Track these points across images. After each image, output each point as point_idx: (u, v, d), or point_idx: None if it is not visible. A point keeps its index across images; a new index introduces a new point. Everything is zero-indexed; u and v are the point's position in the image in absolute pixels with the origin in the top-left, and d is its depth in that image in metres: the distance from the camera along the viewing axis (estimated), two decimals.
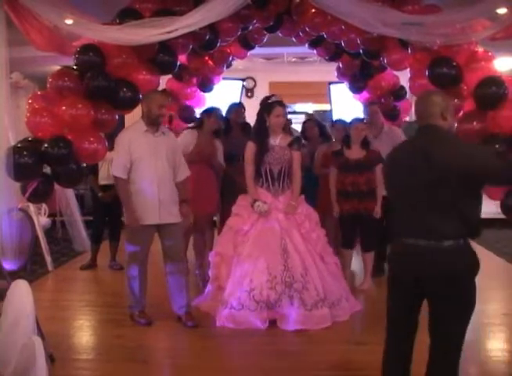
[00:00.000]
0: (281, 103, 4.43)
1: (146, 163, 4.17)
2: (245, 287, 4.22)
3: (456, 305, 2.49)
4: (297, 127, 7.23)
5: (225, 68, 6.58)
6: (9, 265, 3.84)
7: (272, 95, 4.53)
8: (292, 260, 4.28)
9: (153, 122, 4.21)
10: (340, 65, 6.52)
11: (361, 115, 5.79)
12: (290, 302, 4.20)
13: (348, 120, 5.47)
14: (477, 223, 2.53)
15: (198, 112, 6.40)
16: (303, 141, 5.68)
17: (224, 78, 7.03)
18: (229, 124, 5.88)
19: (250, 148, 4.46)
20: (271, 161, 4.44)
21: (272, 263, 4.27)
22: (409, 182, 2.57)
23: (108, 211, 6.09)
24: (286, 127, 4.70)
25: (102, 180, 6.01)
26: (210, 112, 5.41)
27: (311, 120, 6.77)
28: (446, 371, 2.58)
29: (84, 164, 5.70)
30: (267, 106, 4.44)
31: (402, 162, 2.64)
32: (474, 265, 2.51)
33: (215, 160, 5.33)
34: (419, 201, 2.53)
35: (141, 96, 4.43)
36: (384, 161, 3.41)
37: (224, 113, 5.88)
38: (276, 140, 4.47)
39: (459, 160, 2.44)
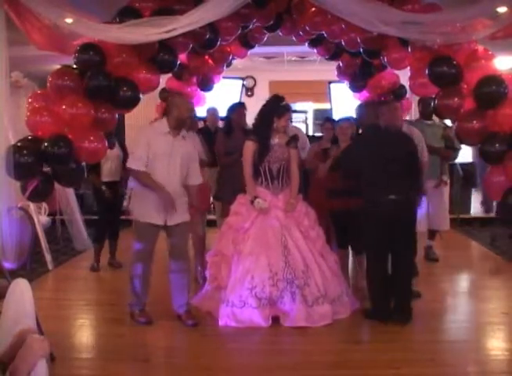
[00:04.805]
0: (291, 108, 4.67)
1: (160, 163, 4.17)
2: (247, 284, 4.23)
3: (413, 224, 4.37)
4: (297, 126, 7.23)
5: (225, 67, 6.58)
6: (9, 264, 3.84)
7: (281, 97, 4.55)
8: (293, 257, 4.31)
9: (180, 125, 4.26)
10: (341, 64, 6.52)
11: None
12: (291, 298, 4.21)
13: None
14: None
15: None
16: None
17: (224, 77, 7.02)
18: (231, 124, 5.81)
19: (250, 147, 4.46)
20: (270, 160, 4.46)
21: (273, 260, 4.29)
22: (385, 158, 4.18)
23: (110, 210, 6.05)
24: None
25: (106, 177, 5.96)
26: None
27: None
28: (410, 266, 4.46)
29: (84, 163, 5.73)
30: (279, 109, 4.47)
31: (376, 146, 4.27)
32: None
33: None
34: (392, 171, 4.17)
35: (169, 100, 4.42)
36: (354, 149, 4.51)
37: (225, 112, 5.84)
38: (275, 139, 4.50)
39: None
